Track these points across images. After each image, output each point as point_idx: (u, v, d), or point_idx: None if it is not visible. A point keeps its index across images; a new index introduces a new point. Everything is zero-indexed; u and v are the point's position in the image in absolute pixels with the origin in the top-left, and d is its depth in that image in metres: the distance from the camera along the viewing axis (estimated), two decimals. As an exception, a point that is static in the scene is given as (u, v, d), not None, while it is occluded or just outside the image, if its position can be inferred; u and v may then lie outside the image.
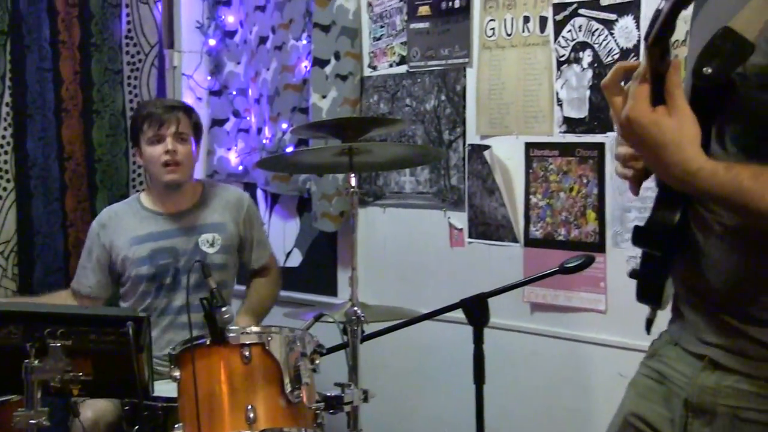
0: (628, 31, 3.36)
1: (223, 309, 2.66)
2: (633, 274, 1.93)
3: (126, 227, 3.70)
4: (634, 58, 3.32)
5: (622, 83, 1.72)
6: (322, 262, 4.57)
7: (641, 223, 1.83)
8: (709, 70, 1.67)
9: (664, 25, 1.56)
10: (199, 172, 3.88)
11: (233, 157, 4.94)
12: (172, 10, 5.02)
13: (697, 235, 1.82)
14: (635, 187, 1.93)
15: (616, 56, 3.39)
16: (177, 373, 2.70)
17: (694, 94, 1.72)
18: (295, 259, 4.70)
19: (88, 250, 3.76)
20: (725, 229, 1.76)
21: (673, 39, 2.99)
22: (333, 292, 4.50)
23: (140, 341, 2.51)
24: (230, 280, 3.82)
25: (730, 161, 1.70)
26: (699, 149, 1.62)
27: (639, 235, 1.83)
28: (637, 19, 3.33)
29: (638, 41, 3.32)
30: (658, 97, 1.63)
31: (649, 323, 1.98)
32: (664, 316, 2.01)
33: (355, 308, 2.98)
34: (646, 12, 3.30)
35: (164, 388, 2.94)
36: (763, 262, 1.74)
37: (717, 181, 1.61)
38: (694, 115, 1.66)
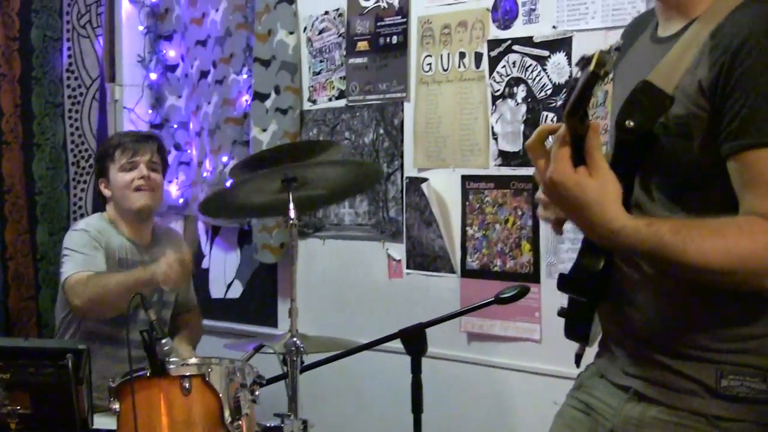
0: (560, 67, 3.41)
1: (163, 341, 2.63)
2: (561, 313, 1.95)
3: (111, 245, 3.62)
4: (566, 93, 3.36)
5: (547, 144, 1.74)
6: (262, 293, 4.55)
7: (566, 270, 1.86)
8: (632, 123, 1.71)
9: (579, 98, 1.59)
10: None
11: (174, 190, 4.91)
12: (113, 44, 5.00)
13: (625, 276, 1.84)
14: (558, 229, 1.95)
15: (549, 91, 3.43)
16: (116, 406, 2.66)
17: (618, 145, 1.75)
18: (236, 291, 4.67)
19: (88, 243, 3.54)
20: (655, 272, 1.79)
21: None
22: (273, 323, 4.47)
23: (80, 374, 2.48)
24: (167, 313, 3.79)
25: (657, 209, 1.74)
26: (621, 208, 1.66)
27: (565, 283, 1.85)
28: (568, 55, 3.38)
29: (570, 76, 3.36)
30: (580, 158, 1.66)
31: (578, 358, 2.01)
32: (592, 349, 2.03)
33: (295, 339, 2.97)
34: (577, 49, 3.35)
35: (103, 421, 2.89)
36: (689, 302, 1.77)
37: (640, 238, 1.65)
38: (619, 165, 1.70)
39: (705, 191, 1.72)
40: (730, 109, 1.64)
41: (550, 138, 1.73)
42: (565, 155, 1.65)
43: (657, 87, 1.71)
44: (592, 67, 1.53)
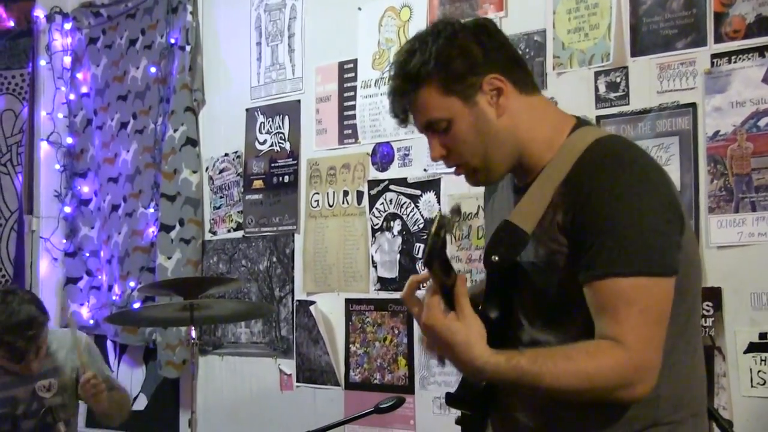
0: (430, 205, 3.50)
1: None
2: (458, 421, 1.94)
3: None
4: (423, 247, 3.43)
5: (419, 293, 1.78)
6: (165, 405, 4.48)
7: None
8: (496, 258, 1.78)
9: (430, 255, 1.64)
10: (53, 325, 3.76)
11: (85, 312, 4.83)
12: (32, 179, 4.96)
13: (507, 389, 1.86)
14: (441, 361, 1.95)
15: (421, 225, 3.52)
16: None
17: (490, 276, 1.81)
18: (141, 403, 4.58)
19: None
20: None
21: (467, 211, 3.11)
22: (175, 433, 4.39)
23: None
24: (73, 419, 3.62)
25: (535, 332, 1.79)
26: (484, 346, 1.69)
27: (451, 400, 1.87)
28: (437, 194, 3.48)
29: (439, 212, 3.45)
30: (449, 303, 1.71)
31: None
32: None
33: (195, 448, 2.93)
34: (445, 189, 3.45)
35: None
36: (560, 413, 1.78)
37: (500, 372, 1.68)
38: (494, 295, 1.76)
39: (573, 315, 1.75)
40: (583, 245, 1.70)
41: (421, 287, 1.77)
42: (435, 303, 1.70)
43: (516, 225, 1.78)
44: (433, 230, 1.59)
